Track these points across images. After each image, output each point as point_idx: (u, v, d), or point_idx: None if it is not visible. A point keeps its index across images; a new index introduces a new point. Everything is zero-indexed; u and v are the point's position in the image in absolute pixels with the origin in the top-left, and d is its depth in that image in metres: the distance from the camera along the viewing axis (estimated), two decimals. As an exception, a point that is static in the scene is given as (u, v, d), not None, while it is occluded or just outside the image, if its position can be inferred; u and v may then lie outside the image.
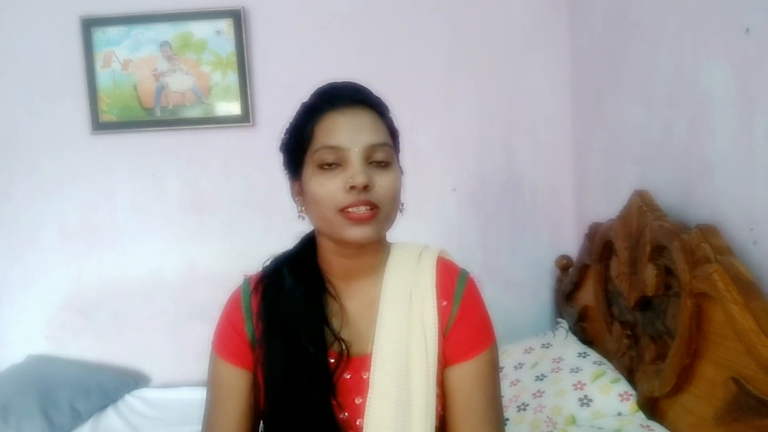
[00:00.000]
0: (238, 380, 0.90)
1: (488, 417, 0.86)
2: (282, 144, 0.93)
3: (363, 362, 0.87)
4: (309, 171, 0.87)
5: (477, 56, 2.10)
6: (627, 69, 1.61)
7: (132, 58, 2.10)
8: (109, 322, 2.18)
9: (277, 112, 2.10)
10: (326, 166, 0.84)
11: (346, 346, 0.87)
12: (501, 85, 2.11)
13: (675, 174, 1.37)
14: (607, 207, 1.69)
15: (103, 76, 2.11)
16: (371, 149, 0.85)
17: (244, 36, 2.07)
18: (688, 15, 1.29)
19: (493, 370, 0.89)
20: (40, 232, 2.16)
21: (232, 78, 2.09)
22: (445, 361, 0.88)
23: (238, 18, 2.07)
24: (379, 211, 0.85)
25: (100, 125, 2.11)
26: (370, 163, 0.85)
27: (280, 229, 2.15)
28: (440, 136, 2.12)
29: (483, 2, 2.09)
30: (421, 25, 2.09)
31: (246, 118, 2.10)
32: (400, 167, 0.94)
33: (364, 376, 0.86)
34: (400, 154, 0.96)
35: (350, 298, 0.92)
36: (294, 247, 1.00)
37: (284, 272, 0.94)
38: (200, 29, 2.09)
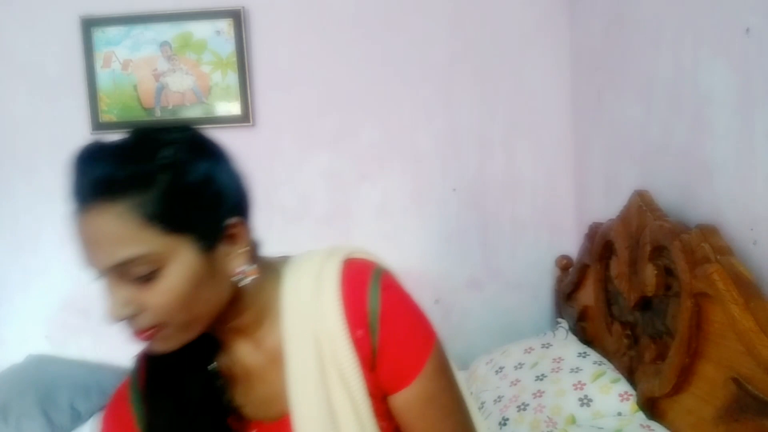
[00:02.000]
0: None
1: (450, 428, 0.77)
2: None
3: (283, 426, 0.74)
4: None
5: (477, 56, 2.10)
6: (627, 69, 1.62)
7: (132, 58, 2.10)
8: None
9: (277, 112, 2.13)
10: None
11: (248, 414, 0.76)
12: (501, 85, 2.11)
13: (675, 174, 1.37)
14: (607, 207, 1.69)
15: (103, 76, 2.11)
16: (118, 269, 0.64)
17: (244, 36, 2.07)
18: (688, 15, 1.29)
19: (441, 377, 0.77)
20: (40, 232, 2.16)
21: (232, 78, 2.09)
22: (384, 391, 0.76)
23: (238, 18, 2.07)
24: (163, 329, 0.66)
25: (100, 125, 2.11)
26: (133, 278, 0.65)
27: (280, 229, 2.15)
28: (440, 136, 2.12)
29: (483, 2, 2.09)
30: (421, 25, 2.09)
31: (246, 118, 2.10)
32: (231, 228, 0.70)
33: None
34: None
35: (250, 354, 0.77)
36: None
37: None
38: (200, 29, 2.09)
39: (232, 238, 0.70)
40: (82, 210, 0.64)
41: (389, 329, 0.73)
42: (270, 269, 0.77)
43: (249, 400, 0.77)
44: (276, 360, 0.75)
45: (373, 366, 0.74)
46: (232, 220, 0.70)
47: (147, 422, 0.75)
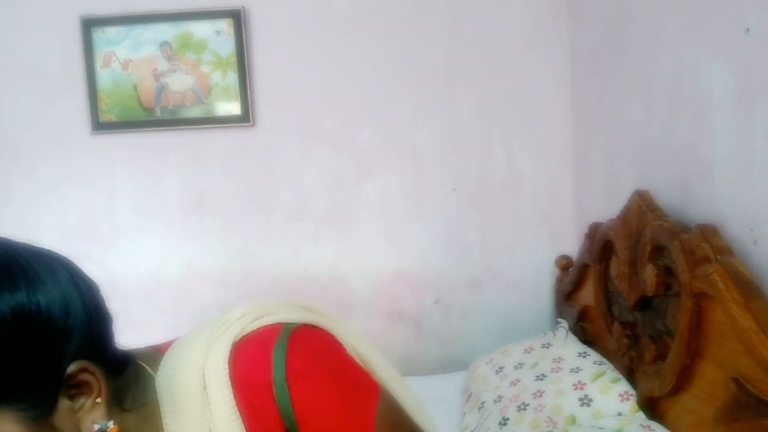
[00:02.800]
0: None
1: None
2: None
3: None
4: None
5: (477, 56, 2.10)
6: (627, 69, 1.62)
7: (132, 58, 2.10)
8: (109, 322, 2.17)
9: (277, 112, 2.13)
10: None
11: None
12: (501, 85, 2.11)
13: (675, 174, 1.37)
14: (607, 207, 1.69)
15: (103, 76, 2.10)
16: None
17: (244, 36, 2.07)
18: (688, 15, 1.29)
19: None
20: (40, 232, 2.16)
21: (232, 78, 2.09)
22: None
23: (238, 18, 2.07)
24: None
25: (100, 125, 2.11)
26: None
27: (280, 229, 2.15)
28: (440, 136, 2.12)
29: (483, 2, 2.09)
30: (421, 25, 2.09)
31: (246, 118, 2.10)
32: (77, 375, 0.52)
33: None
34: None
35: None
36: None
37: None
38: (200, 29, 2.09)
39: (79, 388, 0.52)
40: None
41: (314, 422, 0.57)
42: (148, 386, 0.59)
43: None
44: None
45: None
46: (75, 365, 0.51)
47: None
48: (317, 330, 0.62)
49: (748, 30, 1.08)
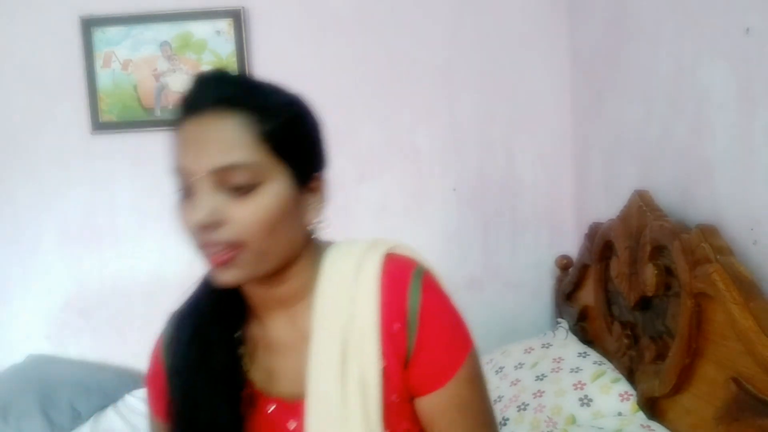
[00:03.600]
0: None
1: None
2: None
3: (301, 408, 0.72)
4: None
5: (477, 56, 2.10)
6: (627, 69, 1.62)
7: (132, 58, 2.10)
8: (109, 322, 2.17)
9: (277, 112, 2.13)
10: (182, 192, 0.71)
11: (270, 388, 0.76)
12: (501, 85, 2.11)
13: (675, 174, 1.37)
14: (607, 207, 1.70)
15: (103, 76, 2.10)
16: (221, 174, 0.66)
17: (244, 36, 2.07)
18: (688, 15, 1.29)
19: (475, 385, 0.76)
20: (41, 232, 2.16)
21: (232, 78, 2.09)
22: (413, 392, 0.74)
23: (238, 18, 2.07)
24: (243, 250, 0.67)
25: (100, 125, 2.11)
26: (229, 188, 0.67)
27: (280, 229, 2.15)
28: (440, 136, 2.12)
29: (483, 2, 2.09)
30: (421, 25, 2.09)
31: (246, 118, 2.10)
32: (316, 181, 0.76)
33: (291, 427, 0.74)
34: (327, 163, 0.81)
35: (283, 328, 0.77)
36: None
37: (201, 303, 0.82)
38: (200, 29, 2.09)
39: (314, 191, 0.75)
40: (200, 113, 0.67)
41: (428, 328, 0.72)
42: (318, 249, 0.79)
43: (274, 374, 0.77)
44: (307, 340, 0.74)
45: (406, 363, 0.72)
46: (319, 173, 0.76)
47: (167, 380, 0.78)
48: None
49: (748, 30, 1.08)
